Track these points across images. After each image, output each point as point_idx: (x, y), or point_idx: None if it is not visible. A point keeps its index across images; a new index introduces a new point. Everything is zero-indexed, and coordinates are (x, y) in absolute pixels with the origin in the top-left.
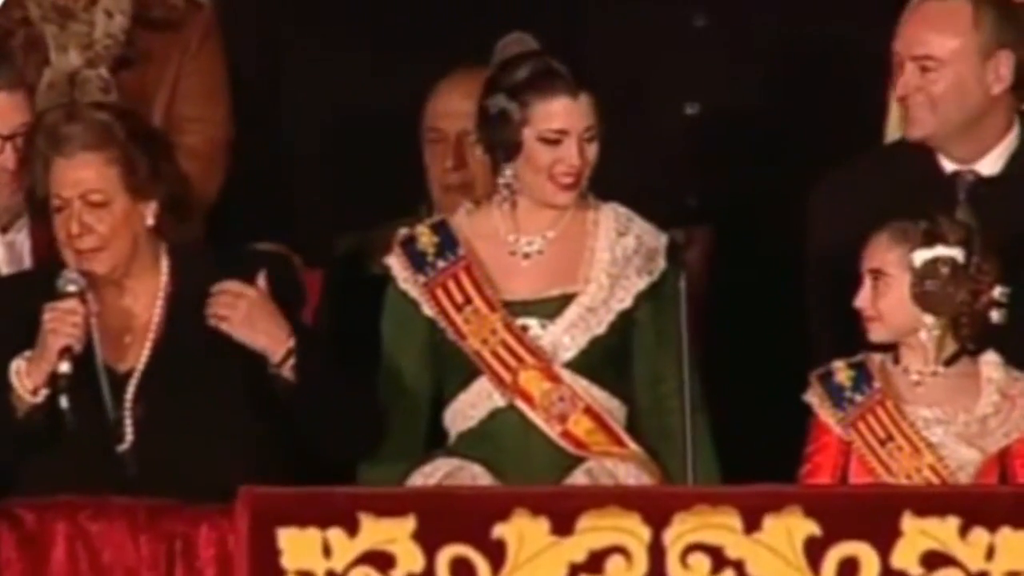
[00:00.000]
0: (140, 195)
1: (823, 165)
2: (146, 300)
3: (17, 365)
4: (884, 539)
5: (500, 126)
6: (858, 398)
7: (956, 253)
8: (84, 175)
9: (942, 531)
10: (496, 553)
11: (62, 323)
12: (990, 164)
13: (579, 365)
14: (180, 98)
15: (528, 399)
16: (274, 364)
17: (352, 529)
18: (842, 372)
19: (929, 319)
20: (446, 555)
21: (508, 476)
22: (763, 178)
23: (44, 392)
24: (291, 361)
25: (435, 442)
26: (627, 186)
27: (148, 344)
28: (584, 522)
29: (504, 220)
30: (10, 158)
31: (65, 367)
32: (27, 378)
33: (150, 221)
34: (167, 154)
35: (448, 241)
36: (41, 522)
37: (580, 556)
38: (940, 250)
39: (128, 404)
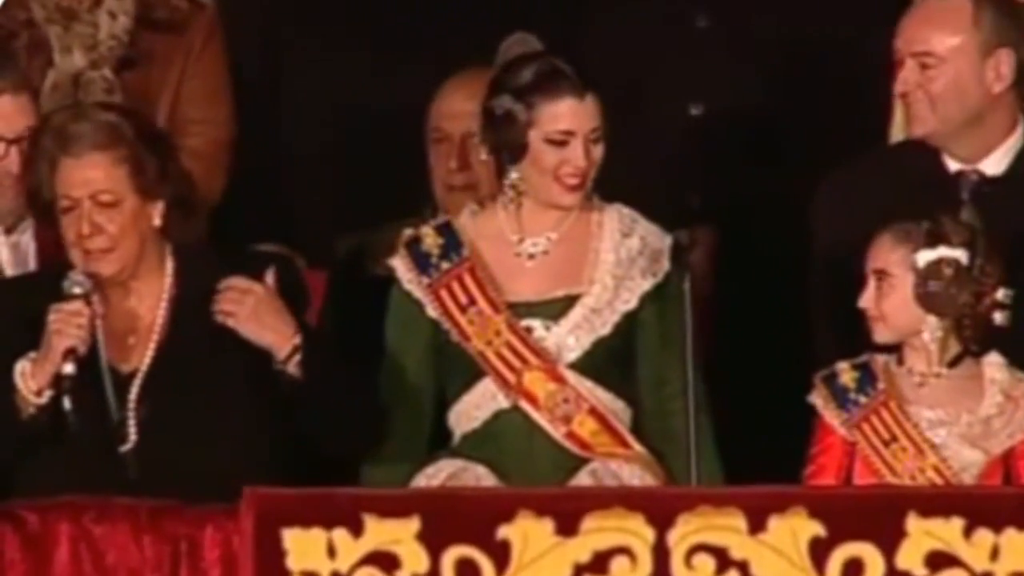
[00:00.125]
0: (148, 195)
1: (826, 165)
2: (150, 301)
3: (22, 366)
4: (889, 540)
5: (505, 127)
6: (862, 399)
7: (960, 254)
8: (93, 175)
9: (947, 532)
10: (501, 554)
11: (67, 324)
12: (994, 163)
13: (583, 366)
14: (184, 99)
15: (532, 400)
16: (280, 360)
17: (357, 530)
18: (846, 373)
19: (932, 320)
20: (451, 556)
21: (512, 477)
22: (767, 179)
23: (48, 393)
24: (297, 358)
25: (439, 443)
26: (631, 187)
27: (152, 345)
28: (588, 523)
29: (509, 221)
30: (15, 162)
31: (69, 368)
32: (31, 379)
33: (157, 221)
34: (173, 154)
35: (452, 242)
36: (45, 523)
37: (584, 557)
38: (944, 251)
39: (132, 405)
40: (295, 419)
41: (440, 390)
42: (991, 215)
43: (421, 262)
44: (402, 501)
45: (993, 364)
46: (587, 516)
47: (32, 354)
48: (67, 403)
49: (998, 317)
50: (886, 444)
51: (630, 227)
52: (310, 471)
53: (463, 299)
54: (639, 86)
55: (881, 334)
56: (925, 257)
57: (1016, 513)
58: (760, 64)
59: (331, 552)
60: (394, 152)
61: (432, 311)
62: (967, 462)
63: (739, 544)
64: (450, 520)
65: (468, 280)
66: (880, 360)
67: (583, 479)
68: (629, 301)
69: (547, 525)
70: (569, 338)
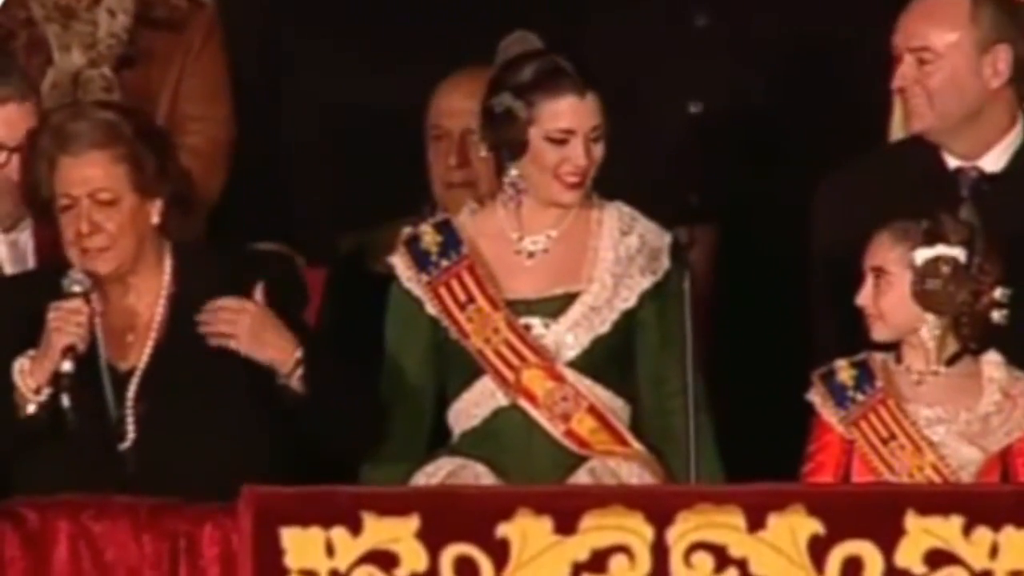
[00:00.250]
0: (147, 193)
1: (826, 163)
2: (149, 299)
3: (21, 364)
4: (888, 538)
5: (506, 125)
6: (860, 397)
7: (958, 252)
8: (92, 173)
9: (945, 530)
10: (499, 552)
11: (66, 322)
12: (993, 160)
13: (582, 364)
14: (183, 98)
15: (531, 398)
16: (283, 375)
17: (355, 528)
18: (844, 371)
19: (930, 318)
20: (450, 554)
21: (511, 475)
22: (766, 177)
23: (47, 391)
24: (300, 372)
25: (439, 441)
26: (630, 185)
27: (150, 343)
28: (587, 521)
29: (508, 219)
30: (16, 169)
31: (68, 366)
32: (30, 377)
33: (155, 219)
34: (172, 152)
35: (452, 240)
36: (44, 521)
37: (583, 555)
38: (942, 249)
39: (130, 403)
40: (295, 421)
41: (440, 388)
42: (990, 212)
43: (420, 260)
44: (401, 499)
45: (991, 362)
46: (586, 514)
47: (31, 352)
48: (66, 401)
49: (996, 315)
50: (884, 442)
51: (630, 225)
52: (309, 469)
53: (462, 297)
54: (638, 84)
55: (879, 332)
56: (923, 255)
57: (1015, 511)
58: (759, 62)
59: (330, 550)
60: (394, 150)
61: (431, 309)
62: (965, 460)
63: (738, 542)
64: (449, 518)
65: (467, 278)
66: (878, 358)
67: (582, 477)
68: (628, 299)
69: (546, 523)
70: (568, 336)
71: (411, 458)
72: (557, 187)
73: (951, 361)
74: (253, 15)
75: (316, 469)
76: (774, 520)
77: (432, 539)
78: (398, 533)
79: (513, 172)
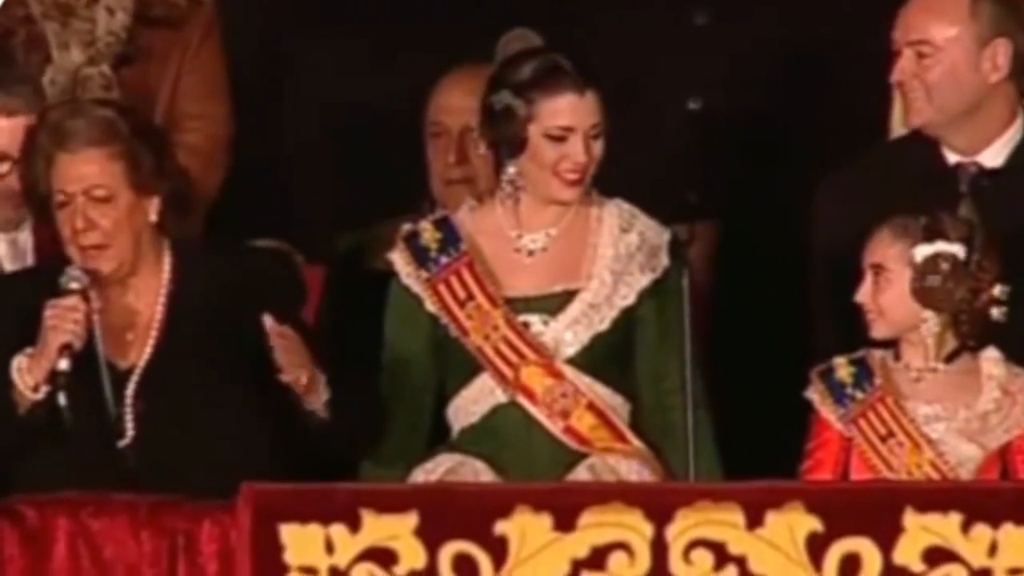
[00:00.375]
0: (144, 191)
1: (825, 161)
2: (148, 297)
3: (18, 362)
4: (886, 535)
5: (505, 122)
6: (859, 394)
7: (957, 249)
8: (88, 170)
9: (944, 527)
10: (498, 549)
11: (63, 320)
12: (993, 156)
13: (582, 361)
14: (181, 95)
15: (530, 395)
16: (309, 401)
17: (354, 525)
18: (843, 368)
19: (929, 315)
20: (448, 551)
21: (510, 472)
22: (765, 174)
23: (44, 389)
24: (325, 396)
25: (438, 438)
26: (630, 182)
27: (150, 341)
28: (586, 518)
29: (507, 216)
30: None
31: (65, 364)
32: (28, 375)
33: (153, 217)
34: (169, 150)
35: (451, 237)
36: (43, 519)
37: (582, 552)
38: (941, 246)
39: (129, 400)
40: (296, 421)
41: (440, 385)
42: (989, 208)
43: (420, 256)
44: (400, 496)
45: (990, 359)
46: (585, 511)
47: (29, 349)
48: (62, 399)
49: (995, 312)
50: (883, 439)
51: (629, 222)
52: (308, 466)
53: (461, 294)
54: (638, 81)
55: (878, 329)
56: (922, 252)
57: (1014, 508)
58: (758, 60)
59: (329, 547)
60: (393, 148)
61: (430, 306)
62: (964, 457)
63: (737, 539)
64: (448, 515)
65: (466, 275)
66: (877, 355)
67: (581, 474)
68: (627, 296)
69: (545, 520)
70: (567, 333)
71: (410, 455)
72: (556, 184)
73: (950, 358)
74: (252, 14)
75: (315, 466)
76: (773, 517)
77: (431, 536)
78: (397, 530)
79: (511, 169)
